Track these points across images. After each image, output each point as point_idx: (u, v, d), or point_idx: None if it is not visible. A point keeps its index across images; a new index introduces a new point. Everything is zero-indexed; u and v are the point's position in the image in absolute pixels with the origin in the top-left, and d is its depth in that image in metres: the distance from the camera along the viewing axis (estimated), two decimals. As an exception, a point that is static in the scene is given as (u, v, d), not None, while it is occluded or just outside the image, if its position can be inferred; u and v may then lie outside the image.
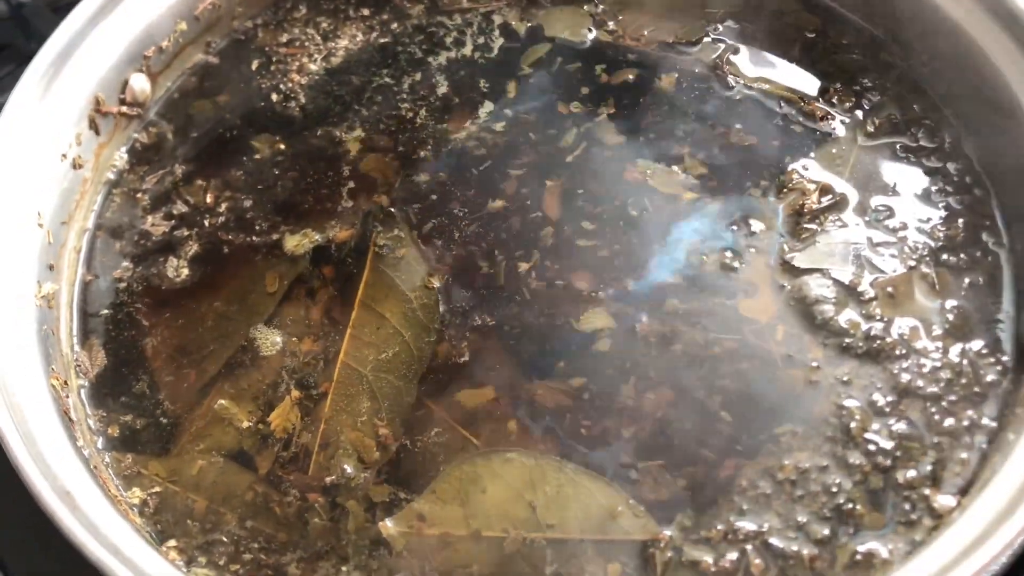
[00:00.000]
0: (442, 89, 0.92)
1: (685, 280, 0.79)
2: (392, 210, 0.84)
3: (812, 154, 0.86)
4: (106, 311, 0.81)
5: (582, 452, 0.71)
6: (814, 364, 0.75)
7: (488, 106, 0.90)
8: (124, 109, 0.89)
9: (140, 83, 0.90)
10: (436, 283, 0.80)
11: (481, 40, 0.95)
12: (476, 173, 0.86)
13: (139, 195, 0.87)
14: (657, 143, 0.87)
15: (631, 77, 0.92)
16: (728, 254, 0.81)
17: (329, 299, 0.80)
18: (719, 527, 0.68)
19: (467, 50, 0.94)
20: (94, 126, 0.86)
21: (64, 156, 0.83)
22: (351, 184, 0.86)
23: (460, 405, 0.74)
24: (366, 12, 0.98)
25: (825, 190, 0.83)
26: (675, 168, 0.86)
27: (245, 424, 0.74)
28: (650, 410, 0.73)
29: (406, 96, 0.92)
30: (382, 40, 0.96)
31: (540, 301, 0.79)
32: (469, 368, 0.76)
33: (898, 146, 0.86)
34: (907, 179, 0.84)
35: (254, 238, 0.84)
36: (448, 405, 0.74)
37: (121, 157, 0.89)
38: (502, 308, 0.78)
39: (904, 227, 0.81)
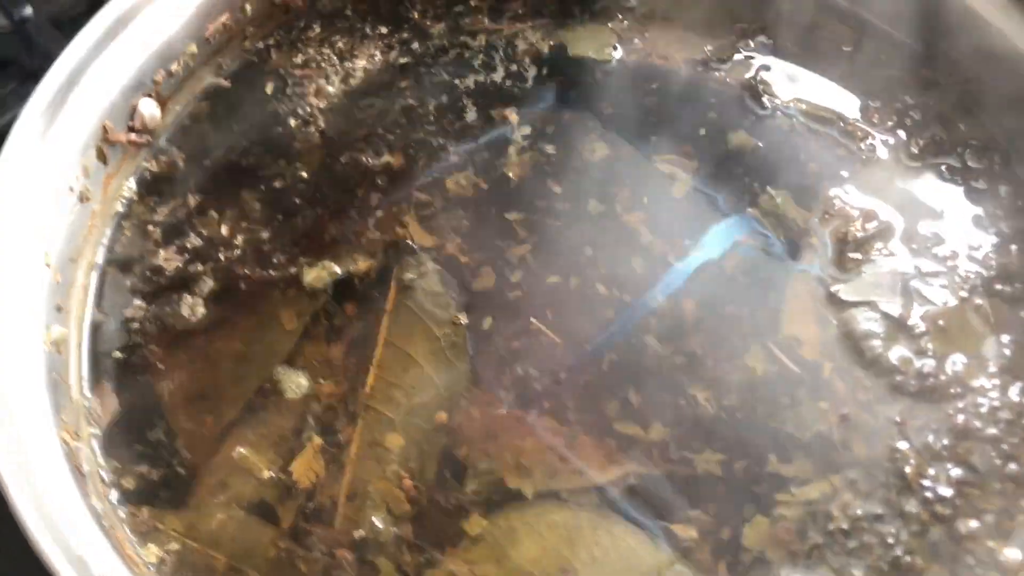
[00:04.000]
0: (471, 114, 0.88)
1: (723, 314, 0.76)
2: (417, 242, 0.80)
3: (854, 177, 0.82)
4: (118, 354, 0.76)
5: (625, 505, 0.68)
6: (864, 404, 0.71)
7: (524, 130, 0.86)
8: (133, 137, 0.85)
9: (149, 109, 0.86)
10: (464, 320, 0.76)
11: (507, 62, 0.91)
12: (510, 201, 0.82)
13: (150, 227, 0.83)
14: (690, 167, 0.83)
15: (659, 98, 0.88)
16: (769, 286, 0.77)
17: (352, 337, 0.76)
18: (770, 584, 0.65)
19: (496, 74, 0.90)
20: (102, 156, 0.82)
21: (71, 189, 0.79)
22: (375, 214, 0.82)
23: (494, 454, 0.70)
24: (384, 30, 0.94)
25: (869, 216, 0.80)
26: (709, 193, 0.82)
27: (266, 474, 0.70)
28: (693, 458, 0.69)
29: (432, 120, 0.87)
30: (403, 60, 0.92)
31: (578, 340, 0.75)
32: (505, 414, 0.72)
33: (944, 167, 0.82)
34: (955, 203, 0.81)
35: (272, 272, 0.80)
36: (482, 453, 0.70)
37: (130, 188, 0.85)
38: (539, 346, 0.74)
39: (954, 255, 0.78)
